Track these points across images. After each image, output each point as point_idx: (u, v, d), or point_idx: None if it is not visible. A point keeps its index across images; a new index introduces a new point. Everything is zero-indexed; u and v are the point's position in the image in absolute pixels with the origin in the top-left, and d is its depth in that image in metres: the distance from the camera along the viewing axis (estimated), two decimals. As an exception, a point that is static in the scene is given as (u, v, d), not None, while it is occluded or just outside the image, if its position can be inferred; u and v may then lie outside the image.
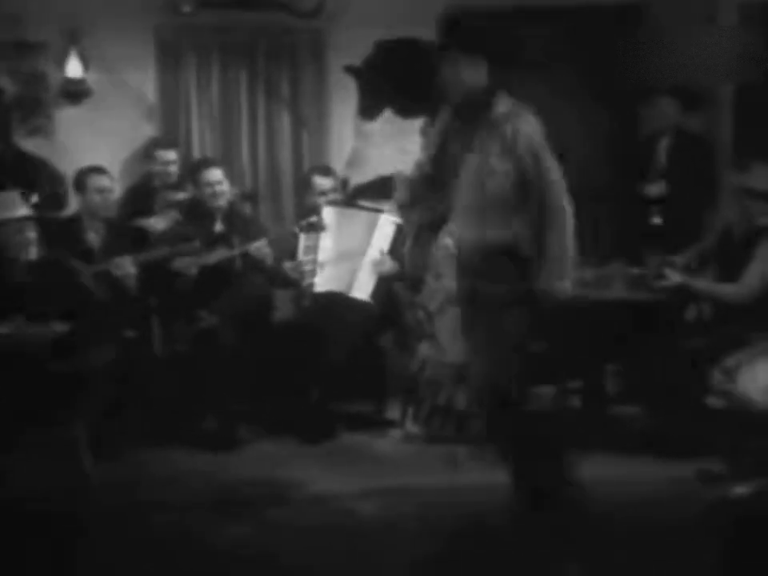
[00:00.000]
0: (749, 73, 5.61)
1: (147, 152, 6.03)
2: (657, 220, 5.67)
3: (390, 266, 5.41)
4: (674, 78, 5.69)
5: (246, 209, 6.00)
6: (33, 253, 4.59)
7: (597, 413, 5.30)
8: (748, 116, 5.94)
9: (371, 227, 5.47)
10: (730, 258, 4.82)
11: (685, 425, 4.70)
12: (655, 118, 5.84)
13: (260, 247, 5.35)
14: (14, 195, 4.64)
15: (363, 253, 5.44)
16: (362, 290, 5.37)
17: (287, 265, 5.48)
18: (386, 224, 5.47)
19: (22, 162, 5.53)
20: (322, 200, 5.57)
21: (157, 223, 5.58)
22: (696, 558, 3.47)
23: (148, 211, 5.80)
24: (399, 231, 5.40)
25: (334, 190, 5.64)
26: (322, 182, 5.62)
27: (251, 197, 6.19)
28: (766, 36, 5.69)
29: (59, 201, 5.47)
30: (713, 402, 4.64)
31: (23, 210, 4.59)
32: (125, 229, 5.48)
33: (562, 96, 6.40)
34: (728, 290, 4.72)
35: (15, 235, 4.55)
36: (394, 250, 5.41)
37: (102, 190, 5.31)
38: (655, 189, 5.68)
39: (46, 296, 4.54)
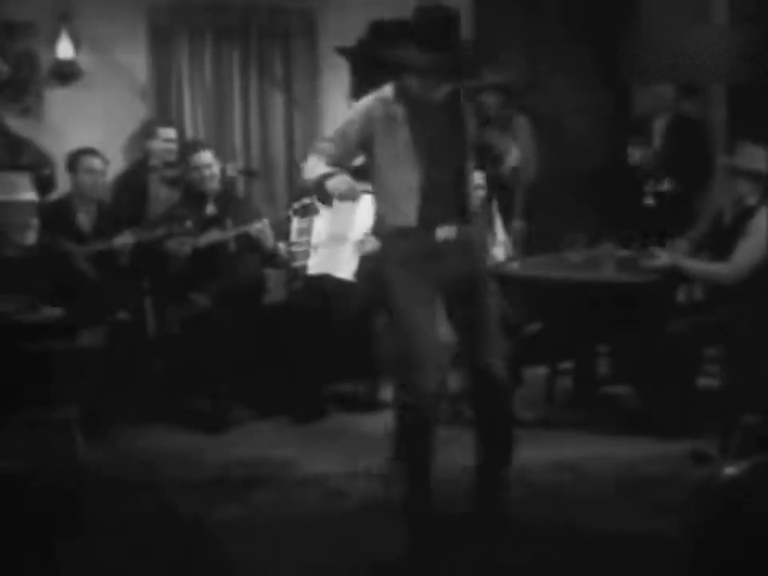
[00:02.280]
0: (742, 73, 5.60)
1: (148, 130, 6.02)
2: (650, 201, 5.67)
3: (372, 244, 5.40)
4: (669, 75, 5.70)
5: (242, 188, 6.00)
6: (31, 238, 4.59)
7: (588, 393, 5.32)
8: (742, 100, 5.96)
9: (355, 207, 5.46)
10: (721, 241, 4.82)
11: (676, 405, 4.72)
12: (652, 99, 5.84)
13: (262, 229, 5.34)
14: (20, 177, 4.62)
15: (348, 233, 5.44)
16: (345, 269, 5.37)
17: (281, 246, 5.48)
18: (369, 203, 5.44)
19: (9, 144, 5.52)
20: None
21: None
22: (686, 537, 3.48)
23: (143, 192, 5.81)
24: None
25: None
26: None
27: (251, 173, 6.17)
28: (758, 35, 5.68)
29: (46, 183, 5.46)
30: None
31: (29, 194, 4.57)
32: (118, 213, 5.48)
33: (558, 74, 6.44)
34: (717, 269, 4.73)
35: (15, 217, 4.53)
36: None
37: (92, 171, 5.31)
38: (638, 155, 5.67)
39: (39, 278, 4.55)
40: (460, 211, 3.71)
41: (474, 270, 3.76)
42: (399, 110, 3.63)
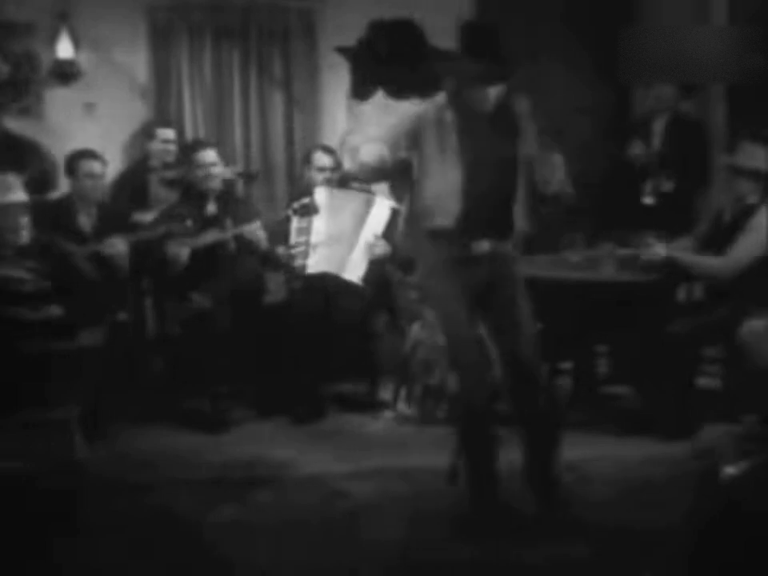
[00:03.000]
0: (742, 73, 5.60)
1: (148, 130, 6.02)
2: (649, 200, 5.67)
3: (383, 248, 5.42)
4: (669, 75, 5.70)
5: (241, 188, 6.00)
6: (25, 237, 4.58)
7: (588, 393, 5.32)
8: (742, 100, 5.96)
9: (366, 209, 5.47)
10: (721, 239, 4.82)
11: (675, 405, 4.72)
12: (651, 100, 5.84)
13: (254, 229, 5.34)
14: (7, 179, 4.62)
15: (357, 235, 5.43)
16: (354, 272, 5.37)
17: (280, 250, 5.48)
18: (381, 207, 5.47)
19: (9, 143, 5.51)
20: (319, 176, 5.56)
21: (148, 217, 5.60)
22: (686, 536, 3.48)
23: (143, 192, 5.81)
24: (394, 214, 5.41)
25: (332, 168, 5.63)
26: (322, 158, 5.62)
27: (251, 175, 6.17)
28: (758, 35, 5.68)
29: (48, 182, 5.46)
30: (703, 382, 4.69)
31: (18, 195, 4.57)
32: (119, 214, 5.47)
33: (558, 74, 6.42)
34: (714, 263, 4.73)
35: (6, 219, 4.54)
36: (388, 234, 5.43)
37: (92, 176, 5.27)
38: (638, 151, 5.68)
39: (39, 278, 4.54)
40: (501, 226, 3.79)
41: (506, 281, 3.83)
42: (449, 116, 3.73)
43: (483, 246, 3.76)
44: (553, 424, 3.94)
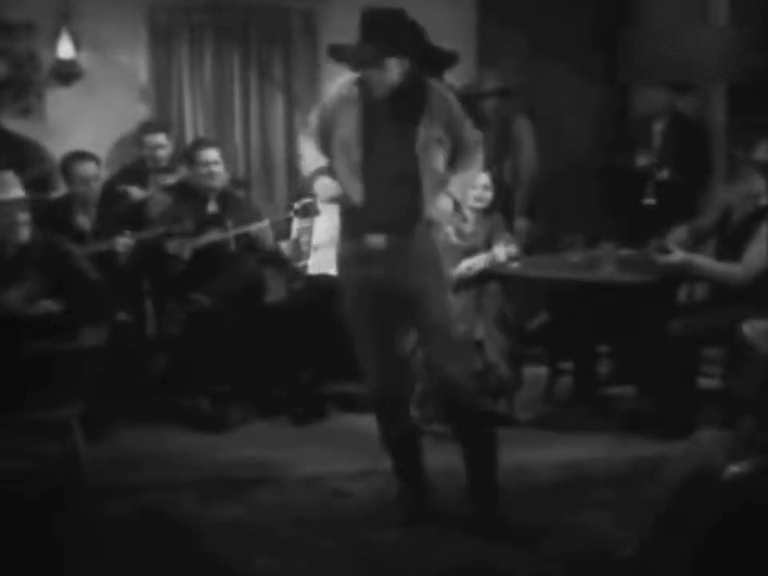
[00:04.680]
0: (742, 73, 5.60)
1: (136, 137, 5.99)
2: (650, 200, 5.67)
3: None
4: (668, 75, 5.70)
5: (239, 193, 6.00)
6: (25, 235, 4.58)
7: (588, 393, 5.32)
8: (742, 100, 5.97)
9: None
10: (729, 240, 4.82)
11: (676, 405, 4.73)
12: (651, 99, 5.85)
13: (263, 228, 5.34)
14: (4, 176, 4.61)
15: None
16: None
17: (283, 244, 5.48)
18: None
19: (10, 144, 5.51)
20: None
21: (137, 193, 5.58)
22: (688, 537, 3.48)
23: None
24: None
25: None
26: None
27: (243, 183, 6.17)
28: (758, 35, 5.68)
29: (48, 182, 5.45)
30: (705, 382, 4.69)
31: (16, 192, 4.56)
32: (117, 207, 5.47)
33: (558, 74, 6.43)
34: (730, 269, 4.72)
35: (5, 217, 4.53)
36: None
37: (86, 179, 5.25)
38: (644, 159, 5.68)
39: (39, 277, 4.54)
40: (402, 218, 3.55)
41: (413, 283, 3.60)
42: (354, 94, 3.60)
43: (377, 240, 3.56)
44: (478, 433, 3.81)
